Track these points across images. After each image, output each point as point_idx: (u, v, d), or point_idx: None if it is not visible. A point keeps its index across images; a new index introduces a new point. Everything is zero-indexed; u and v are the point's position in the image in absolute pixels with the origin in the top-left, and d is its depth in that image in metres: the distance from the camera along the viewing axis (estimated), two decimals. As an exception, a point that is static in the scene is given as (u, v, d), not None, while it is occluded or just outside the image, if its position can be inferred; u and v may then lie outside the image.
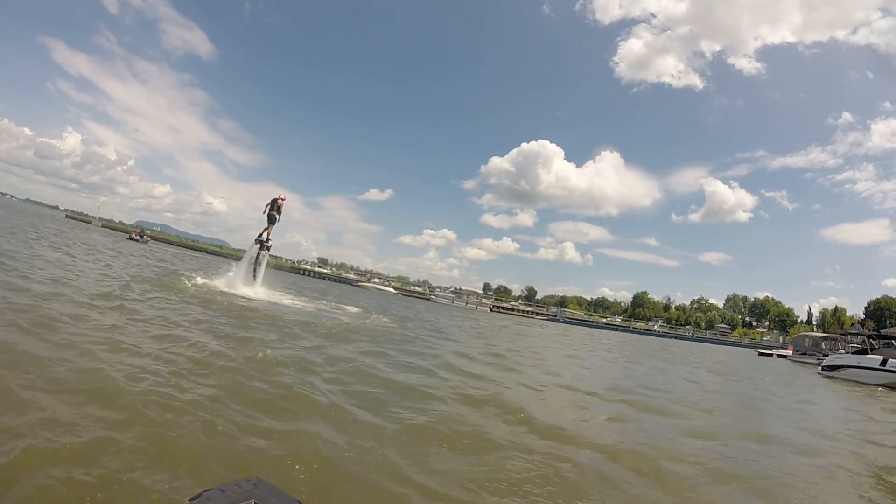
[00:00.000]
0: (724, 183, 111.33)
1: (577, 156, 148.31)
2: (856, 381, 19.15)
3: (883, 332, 24.23)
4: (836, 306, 71.84)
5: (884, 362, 18.93)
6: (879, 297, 59.39)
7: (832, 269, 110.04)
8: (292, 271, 67.74)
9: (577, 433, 4.68)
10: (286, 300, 14.74)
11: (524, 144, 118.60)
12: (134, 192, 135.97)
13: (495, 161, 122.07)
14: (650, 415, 6.37)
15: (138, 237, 48.69)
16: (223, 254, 66.36)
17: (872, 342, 21.58)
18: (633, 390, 8.41)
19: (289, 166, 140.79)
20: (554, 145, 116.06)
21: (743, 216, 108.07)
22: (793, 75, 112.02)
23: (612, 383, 9.23)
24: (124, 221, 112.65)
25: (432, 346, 10.24)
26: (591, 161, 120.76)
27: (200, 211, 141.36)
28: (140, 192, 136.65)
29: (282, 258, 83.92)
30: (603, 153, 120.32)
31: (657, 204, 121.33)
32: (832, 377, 21.17)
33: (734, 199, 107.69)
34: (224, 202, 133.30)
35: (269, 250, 14.75)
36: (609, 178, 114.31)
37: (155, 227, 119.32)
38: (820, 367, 24.40)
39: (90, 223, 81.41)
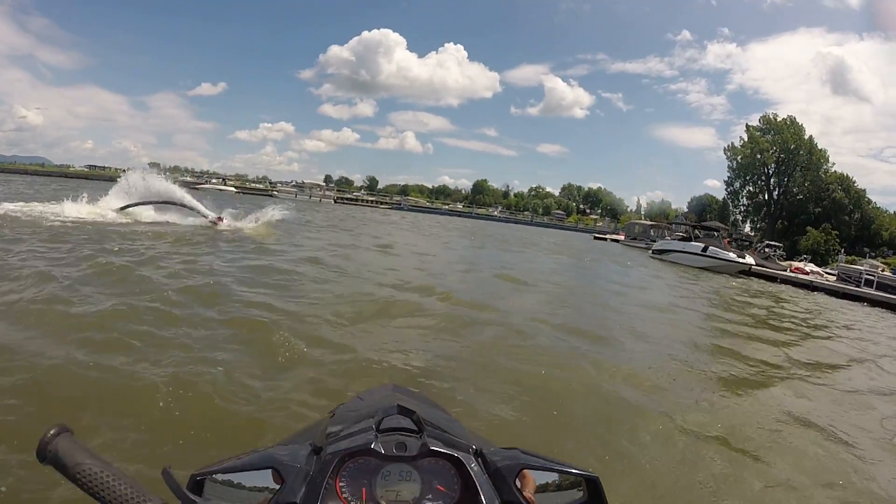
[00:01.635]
0: (563, 81, 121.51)
1: (420, 47, 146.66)
2: (680, 264, 23.88)
3: (704, 223, 29.85)
4: (663, 199, 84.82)
5: (704, 249, 23.78)
6: (702, 194, 64.88)
7: (660, 166, 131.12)
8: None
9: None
10: (146, 213, 11.17)
11: (365, 33, 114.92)
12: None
13: (335, 50, 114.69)
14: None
15: None
16: (49, 172, 55.80)
17: (696, 232, 26.68)
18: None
19: (112, 64, 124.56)
20: (396, 35, 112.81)
21: (580, 113, 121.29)
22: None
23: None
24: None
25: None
26: (434, 52, 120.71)
27: (14, 127, 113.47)
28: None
29: (110, 168, 74.67)
30: (447, 45, 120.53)
31: (498, 97, 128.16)
32: (661, 259, 26.15)
33: (572, 96, 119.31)
34: (41, 113, 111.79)
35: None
36: (451, 69, 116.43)
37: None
38: (650, 251, 29.87)
39: None
